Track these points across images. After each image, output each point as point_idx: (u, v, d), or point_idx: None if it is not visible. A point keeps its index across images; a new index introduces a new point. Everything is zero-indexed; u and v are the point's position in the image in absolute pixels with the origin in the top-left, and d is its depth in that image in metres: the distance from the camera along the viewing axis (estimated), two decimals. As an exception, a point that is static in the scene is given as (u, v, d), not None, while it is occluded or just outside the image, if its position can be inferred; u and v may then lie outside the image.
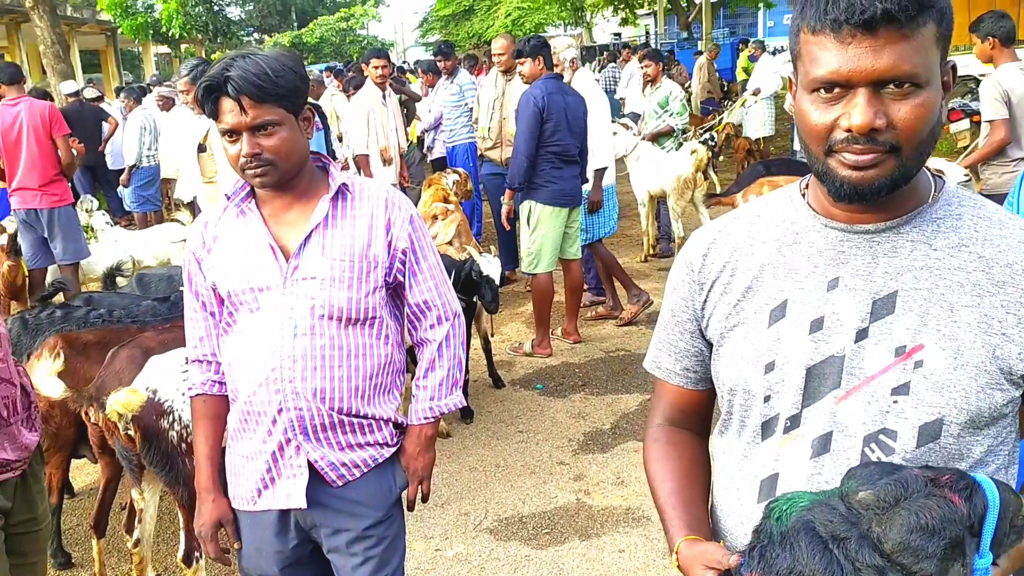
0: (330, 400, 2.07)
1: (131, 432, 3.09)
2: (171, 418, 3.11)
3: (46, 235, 6.58)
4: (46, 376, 3.06)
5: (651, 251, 8.35)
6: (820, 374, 1.31)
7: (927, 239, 1.29)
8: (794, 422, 1.33)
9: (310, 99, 6.59)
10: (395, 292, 2.19)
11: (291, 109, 1.98)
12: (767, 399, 1.36)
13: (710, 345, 1.48)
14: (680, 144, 8.16)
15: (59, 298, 4.35)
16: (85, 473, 4.67)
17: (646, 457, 1.57)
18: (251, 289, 2.06)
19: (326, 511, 2.14)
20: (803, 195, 1.40)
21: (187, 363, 2.36)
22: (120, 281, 5.21)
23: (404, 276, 2.15)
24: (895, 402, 1.26)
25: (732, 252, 1.44)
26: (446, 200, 6.58)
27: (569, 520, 3.90)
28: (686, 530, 1.39)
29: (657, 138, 8.17)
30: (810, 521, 1.13)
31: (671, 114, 8.12)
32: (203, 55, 32.28)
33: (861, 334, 1.28)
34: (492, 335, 5.69)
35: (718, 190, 8.56)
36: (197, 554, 3.22)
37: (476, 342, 5.57)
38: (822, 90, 1.22)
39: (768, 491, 1.36)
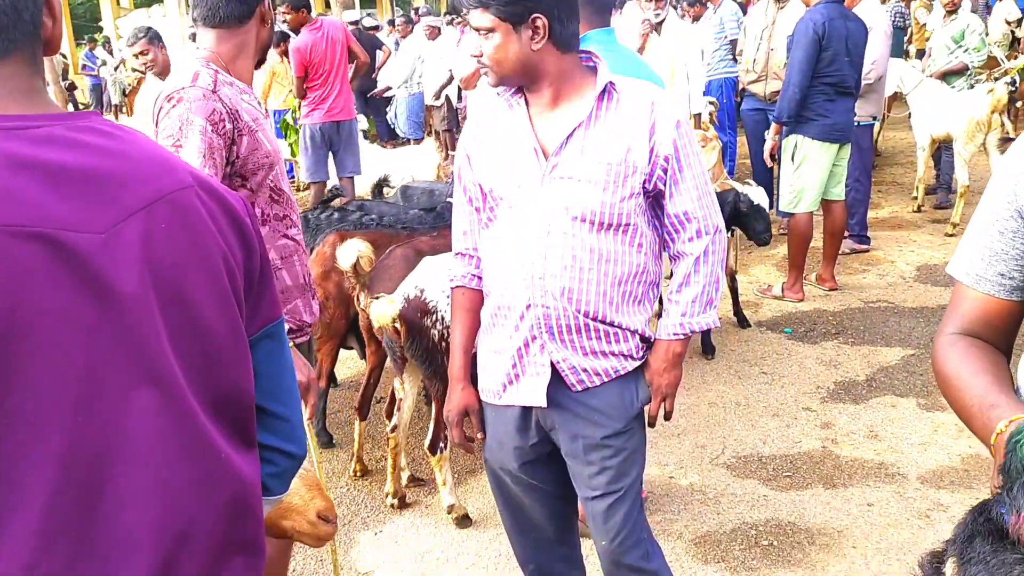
0: (576, 301, 2.06)
1: (397, 326, 3.31)
2: (434, 317, 3.29)
3: (338, 148, 7.05)
4: (354, 246, 3.34)
5: (924, 200, 7.63)
6: None
7: None
8: None
9: None
10: (656, 201, 2.12)
11: (506, 19, 2.00)
12: None
13: None
14: (972, 85, 7.32)
15: (336, 203, 4.70)
16: (346, 367, 5.08)
17: (942, 361, 1.41)
18: (510, 185, 2.10)
19: (565, 414, 2.16)
20: None
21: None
22: (386, 192, 5.56)
23: (665, 184, 2.06)
24: None
25: None
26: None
27: (813, 466, 3.71)
28: (1020, 410, 1.23)
29: (946, 76, 7.37)
30: None
31: (966, 50, 7.29)
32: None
33: None
34: (737, 271, 5.45)
35: (1012, 135, 7.62)
36: (442, 444, 3.41)
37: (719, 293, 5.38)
38: None
39: None
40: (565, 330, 2.09)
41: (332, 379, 4.61)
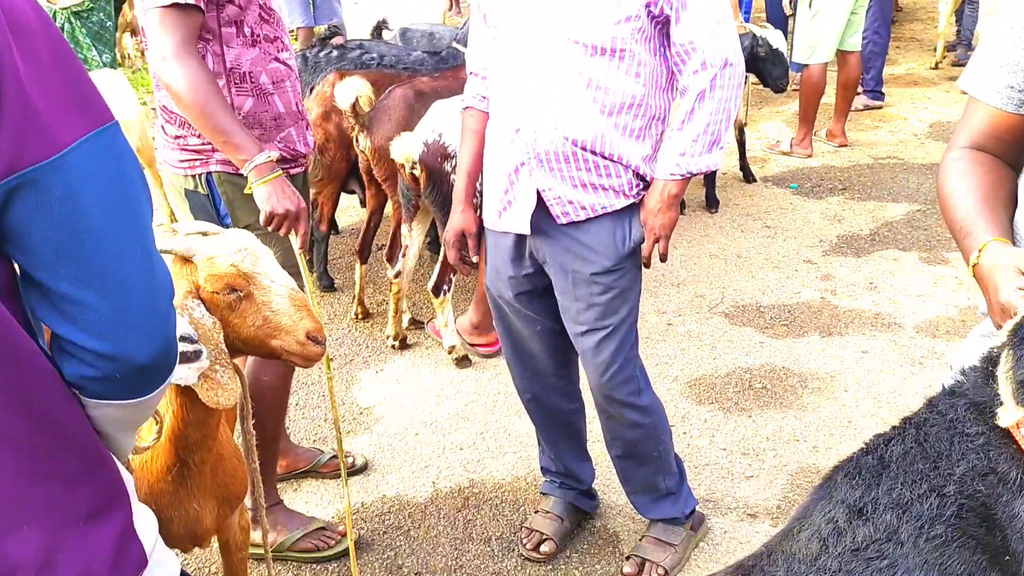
0: (563, 127, 2.00)
1: (416, 172, 3.24)
2: (453, 162, 3.23)
3: None
4: (353, 84, 3.25)
5: (943, 57, 7.38)
6: None
7: None
8: None
9: None
10: (666, 28, 2.00)
11: None
12: None
13: None
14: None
15: (334, 42, 4.53)
16: (347, 215, 5.05)
17: (942, 180, 1.40)
18: (507, 5, 2.02)
19: (556, 247, 2.13)
20: None
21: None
22: (385, 35, 5.36)
23: (671, 8, 1.94)
24: None
25: None
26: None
27: (811, 316, 3.73)
28: (996, 232, 1.25)
29: (977, -79, 6.98)
30: None
31: None
32: None
33: None
34: (746, 124, 5.33)
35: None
36: (445, 287, 3.43)
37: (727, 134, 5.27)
38: None
39: None
40: (553, 157, 2.03)
41: (333, 225, 4.59)
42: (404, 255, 3.59)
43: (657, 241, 2.10)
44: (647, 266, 2.19)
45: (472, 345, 3.52)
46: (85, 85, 0.91)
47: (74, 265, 0.86)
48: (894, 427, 1.01)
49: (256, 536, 2.25)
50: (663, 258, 2.15)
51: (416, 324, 3.81)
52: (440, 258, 3.46)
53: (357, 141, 3.48)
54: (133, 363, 0.91)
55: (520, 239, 2.17)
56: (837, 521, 0.97)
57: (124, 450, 1.07)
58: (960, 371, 1.01)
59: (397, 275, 3.60)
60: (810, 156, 5.58)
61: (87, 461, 0.93)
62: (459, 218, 2.26)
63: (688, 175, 2.05)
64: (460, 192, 2.25)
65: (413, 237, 3.58)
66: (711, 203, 4.87)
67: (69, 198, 0.85)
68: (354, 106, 3.35)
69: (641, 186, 2.10)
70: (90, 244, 0.87)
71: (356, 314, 3.90)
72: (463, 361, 3.49)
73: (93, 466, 0.94)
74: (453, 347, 3.48)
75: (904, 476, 0.94)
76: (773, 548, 1.04)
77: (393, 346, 3.65)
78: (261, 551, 2.33)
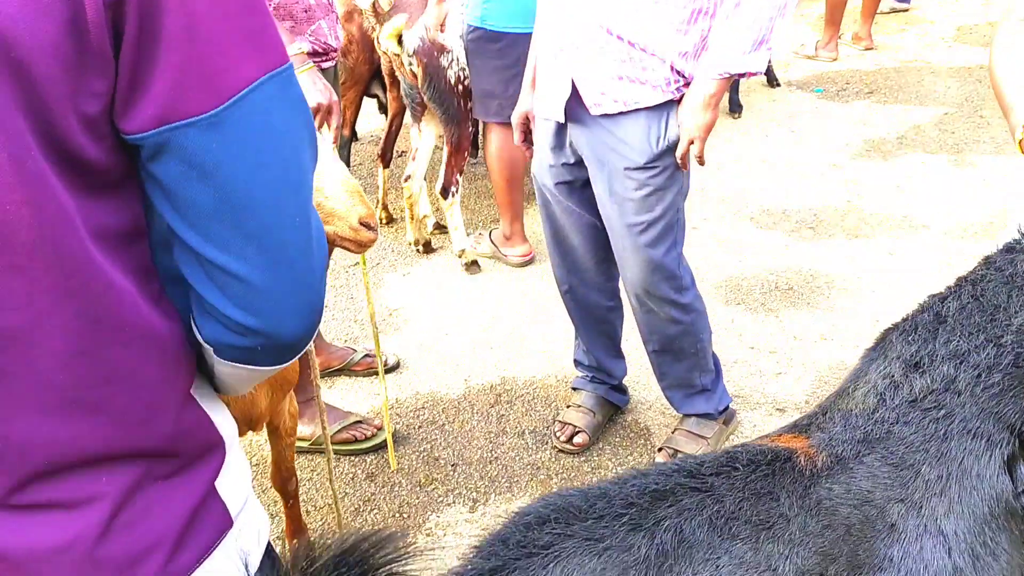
0: (600, 15, 1.98)
1: (414, 68, 3.21)
2: (450, 57, 3.20)
3: None
4: None
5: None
6: None
7: None
8: None
9: None
10: None
11: None
12: None
13: None
14: None
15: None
16: (366, 123, 5.02)
17: (993, 52, 1.38)
18: None
19: (592, 138, 2.12)
20: None
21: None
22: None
23: None
24: None
25: None
26: None
27: (837, 219, 3.72)
28: None
29: None
30: None
31: None
32: None
33: None
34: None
35: None
36: (453, 189, 3.42)
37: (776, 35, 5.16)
38: None
39: None
40: (588, 46, 2.01)
41: (353, 133, 4.56)
42: (414, 158, 3.58)
43: (692, 143, 2.07)
44: (683, 167, 2.15)
45: (505, 255, 3.52)
46: (262, 15, 0.75)
47: (226, 231, 0.74)
48: (948, 286, 1.03)
49: (303, 429, 2.32)
50: (700, 161, 2.11)
51: (441, 229, 3.82)
52: (444, 159, 3.43)
53: (378, 41, 3.43)
54: (280, 340, 0.81)
55: (561, 128, 2.17)
56: (894, 376, 1.00)
57: (238, 393, 0.99)
58: (1017, 230, 1.02)
59: (407, 179, 3.59)
60: (835, 60, 5.47)
61: (179, 426, 0.85)
62: (525, 101, 2.27)
63: (727, 75, 2.00)
64: (528, 75, 2.26)
65: (423, 139, 3.56)
66: (734, 107, 4.80)
67: (227, 159, 0.72)
68: (374, 5, 3.30)
69: (681, 83, 2.06)
70: (246, 211, 0.74)
71: (380, 219, 3.91)
72: (472, 266, 3.48)
73: (183, 430, 0.86)
74: (463, 251, 3.48)
75: (961, 329, 0.96)
76: (828, 407, 1.07)
77: (418, 251, 3.66)
78: (305, 442, 2.41)
